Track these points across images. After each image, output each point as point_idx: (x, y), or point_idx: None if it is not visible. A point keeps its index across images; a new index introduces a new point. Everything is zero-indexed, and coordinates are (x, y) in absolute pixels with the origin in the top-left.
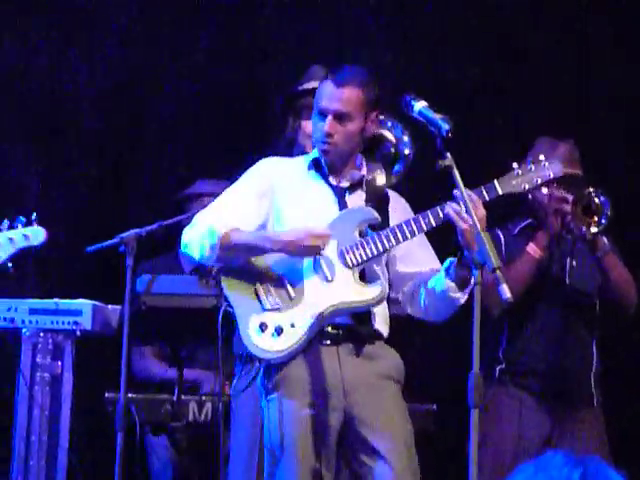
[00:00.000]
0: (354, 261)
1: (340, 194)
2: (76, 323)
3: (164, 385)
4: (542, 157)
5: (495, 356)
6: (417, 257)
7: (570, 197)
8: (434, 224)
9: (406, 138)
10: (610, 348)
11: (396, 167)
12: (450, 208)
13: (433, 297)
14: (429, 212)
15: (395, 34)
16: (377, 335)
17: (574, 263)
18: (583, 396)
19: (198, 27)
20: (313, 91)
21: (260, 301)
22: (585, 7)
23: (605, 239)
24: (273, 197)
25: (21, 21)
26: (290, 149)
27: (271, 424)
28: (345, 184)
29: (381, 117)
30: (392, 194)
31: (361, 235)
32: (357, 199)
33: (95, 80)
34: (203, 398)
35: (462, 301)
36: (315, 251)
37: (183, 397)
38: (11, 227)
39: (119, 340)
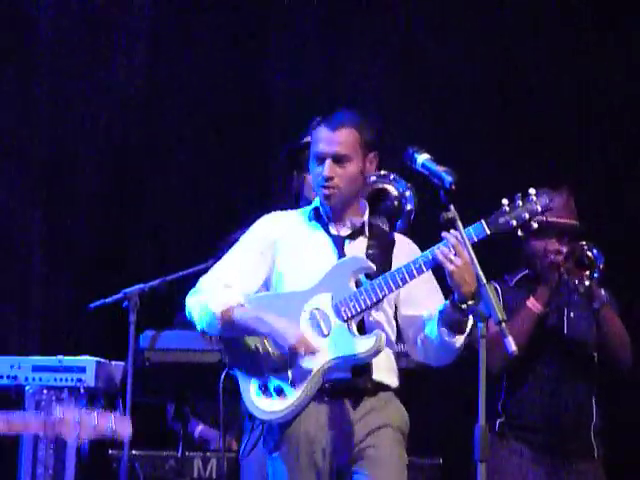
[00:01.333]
0: (349, 313)
1: (339, 243)
2: (80, 380)
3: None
4: (532, 190)
5: (495, 409)
6: (419, 299)
7: (564, 249)
8: (425, 269)
9: (408, 193)
10: (614, 399)
11: (398, 223)
12: (438, 251)
13: (430, 342)
14: (419, 257)
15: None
16: (379, 387)
17: (572, 314)
18: (582, 449)
19: (200, 91)
20: None
21: (259, 362)
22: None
23: (603, 291)
24: (273, 253)
25: (22, 83)
26: (296, 203)
27: None
28: (345, 232)
29: (383, 172)
30: (399, 238)
31: (357, 285)
32: (358, 246)
33: (96, 140)
34: (208, 454)
35: (458, 345)
36: (292, 352)
37: (187, 453)
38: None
39: (123, 396)
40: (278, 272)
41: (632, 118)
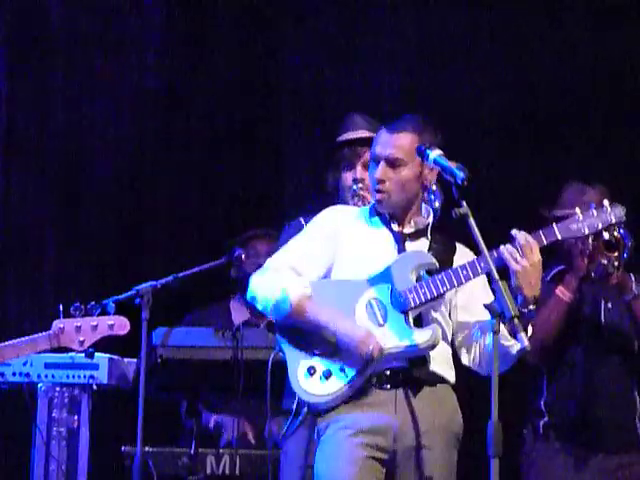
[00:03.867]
0: (407, 305)
1: (400, 240)
2: (92, 377)
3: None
4: (606, 202)
5: (537, 408)
6: (477, 306)
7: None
8: (489, 267)
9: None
10: None
11: None
12: (505, 249)
13: (487, 347)
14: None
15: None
16: (436, 378)
17: (609, 305)
18: (628, 441)
19: (214, 88)
20: (352, 142)
21: (311, 345)
22: None
23: (634, 282)
24: (337, 242)
25: (37, 83)
26: (333, 202)
27: (322, 464)
28: (408, 230)
29: None
30: (460, 247)
31: (418, 280)
32: (419, 246)
33: (111, 138)
34: (221, 451)
35: (514, 351)
36: (361, 354)
37: (200, 450)
38: (86, 313)
39: (135, 393)
40: (337, 261)
41: None
